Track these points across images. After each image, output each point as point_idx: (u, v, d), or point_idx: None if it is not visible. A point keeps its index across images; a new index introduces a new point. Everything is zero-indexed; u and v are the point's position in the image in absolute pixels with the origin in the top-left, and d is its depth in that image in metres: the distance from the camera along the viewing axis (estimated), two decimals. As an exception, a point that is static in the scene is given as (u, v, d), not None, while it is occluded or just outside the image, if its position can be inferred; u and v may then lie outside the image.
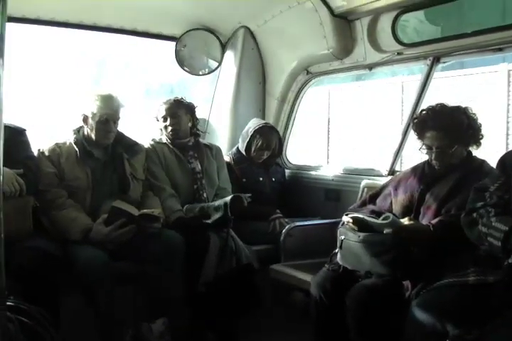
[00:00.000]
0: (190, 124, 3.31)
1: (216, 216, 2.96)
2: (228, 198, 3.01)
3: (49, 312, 1.58)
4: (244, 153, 3.57)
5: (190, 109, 3.31)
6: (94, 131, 2.87)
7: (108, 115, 2.85)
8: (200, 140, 3.40)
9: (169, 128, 3.23)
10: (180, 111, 3.25)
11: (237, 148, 3.65)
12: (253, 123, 3.61)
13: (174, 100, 3.28)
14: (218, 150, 3.46)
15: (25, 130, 2.76)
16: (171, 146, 3.25)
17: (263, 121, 3.68)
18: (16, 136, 2.67)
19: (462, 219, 2.02)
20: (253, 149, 3.55)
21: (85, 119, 2.89)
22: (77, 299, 2.53)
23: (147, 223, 2.71)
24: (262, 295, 2.96)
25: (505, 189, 1.96)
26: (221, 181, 3.35)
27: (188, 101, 3.34)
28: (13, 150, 2.58)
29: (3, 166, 2.40)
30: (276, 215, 3.35)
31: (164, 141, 3.28)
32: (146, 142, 3.24)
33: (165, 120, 3.25)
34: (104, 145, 2.93)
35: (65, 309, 2.40)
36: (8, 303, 1.36)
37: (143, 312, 2.71)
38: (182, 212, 3.03)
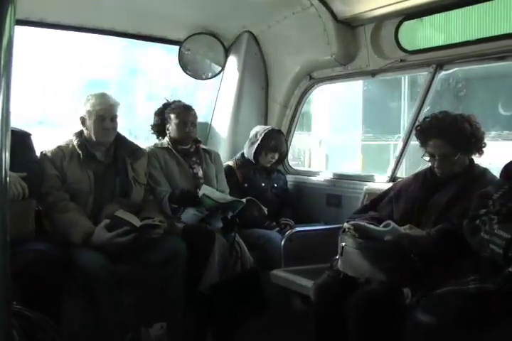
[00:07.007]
0: None
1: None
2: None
3: (50, 315, 1.58)
4: (251, 157, 3.58)
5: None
6: (93, 131, 2.86)
7: (104, 111, 2.86)
8: (200, 145, 3.41)
9: (185, 135, 3.24)
10: (196, 120, 3.29)
11: (242, 153, 3.67)
12: (260, 128, 3.64)
13: (191, 109, 3.30)
14: (217, 155, 3.48)
15: (30, 134, 2.78)
16: (173, 151, 3.25)
17: (269, 126, 3.72)
18: (21, 140, 2.68)
19: (465, 226, 2.02)
20: (263, 152, 3.56)
21: (83, 121, 2.89)
22: (78, 302, 2.53)
23: (149, 231, 2.72)
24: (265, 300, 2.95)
25: (509, 197, 1.96)
26: (219, 184, 3.36)
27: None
28: (18, 153, 2.59)
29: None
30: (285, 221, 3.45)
31: (166, 145, 3.28)
32: (146, 146, 3.23)
33: (184, 125, 3.24)
34: (105, 144, 2.91)
35: (66, 312, 2.40)
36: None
37: (141, 316, 2.71)
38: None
